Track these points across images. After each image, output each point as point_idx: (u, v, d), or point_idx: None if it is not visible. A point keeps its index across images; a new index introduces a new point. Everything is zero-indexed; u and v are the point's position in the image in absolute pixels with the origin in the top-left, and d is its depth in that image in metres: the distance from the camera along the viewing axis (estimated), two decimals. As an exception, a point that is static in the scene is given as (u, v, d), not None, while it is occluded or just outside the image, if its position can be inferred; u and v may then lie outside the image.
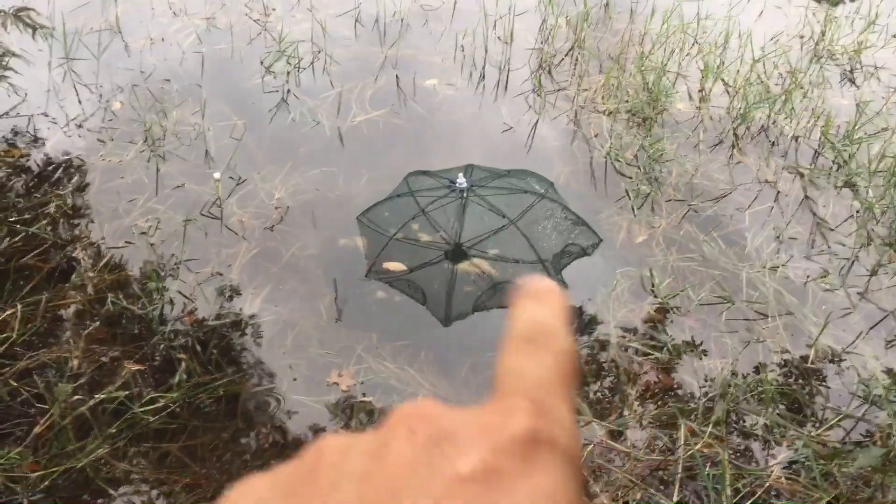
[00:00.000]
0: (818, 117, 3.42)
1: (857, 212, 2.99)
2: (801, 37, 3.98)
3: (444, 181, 2.80)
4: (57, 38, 3.65)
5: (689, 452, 2.12)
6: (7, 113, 3.28)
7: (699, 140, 3.32)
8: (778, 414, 2.25)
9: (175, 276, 2.63)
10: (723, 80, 3.64)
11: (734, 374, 2.39)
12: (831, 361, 2.44)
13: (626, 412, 2.26)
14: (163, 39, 3.77)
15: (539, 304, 0.34)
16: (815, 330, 2.51)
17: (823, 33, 3.98)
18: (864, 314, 2.60)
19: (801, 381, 2.39)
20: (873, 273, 2.74)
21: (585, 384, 2.36)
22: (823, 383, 2.38)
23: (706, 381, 2.37)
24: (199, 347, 2.40)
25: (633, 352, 2.45)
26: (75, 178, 2.99)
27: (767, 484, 2.05)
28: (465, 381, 2.36)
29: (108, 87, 3.46)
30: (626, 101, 3.48)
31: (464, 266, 2.66)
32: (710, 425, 2.19)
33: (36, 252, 2.64)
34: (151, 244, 2.72)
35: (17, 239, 2.67)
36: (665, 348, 2.45)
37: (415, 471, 0.29)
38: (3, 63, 3.53)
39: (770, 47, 3.83)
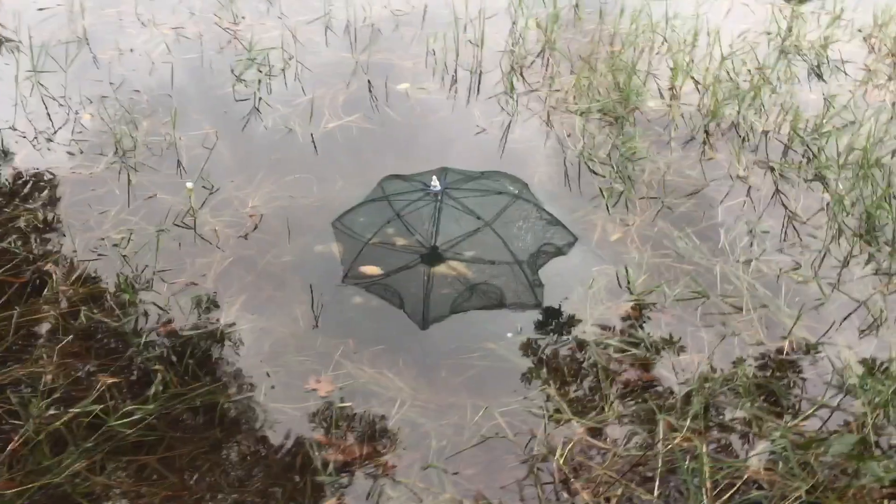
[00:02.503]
0: (787, 112, 3.46)
1: (828, 204, 3.02)
2: (769, 33, 4.03)
3: (417, 185, 2.80)
4: (24, 50, 3.62)
5: (669, 447, 2.13)
6: (-26, 127, 3.24)
7: (671, 137, 3.34)
8: (755, 406, 2.27)
9: (149, 288, 2.60)
10: (692, 77, 3.67)
11: (711, 368, 2.41)
12: (806, 352, 2.47)
13: (605, 409, 2.27)
14: (131, 50, 3.75)
15: None
16: (789, 322, 2.54)
17: (790, 29, 4.03)
18: (837, 305, 2.63)
19: (776, 372, 2.41)
20: (845, 264, 2.77)
21: (564, 383, 2.37)
22: (799, 374, 2.40)
23: (683, 375, 2.39)
24: (174, 358, 2.38)
25: (611, 349, 2.46)
26: (45, 192, 2.96)
27: (746, 475, 2.06)
28: (445, 383, 2.36)
29: (76, 99, 3.43)
30: (598, 101, 3.50)
31: (440, 269, 2.66)
32: (689, 419, 2.20)
33: (6, 267, 2.61)
34: (124, 256, 2.70)
35: (-13, 254, 2.64)
36: (642, 344, 2.47)
37: None
38: (-31, 77, 3.49)
39: (738, 44, 3.88)
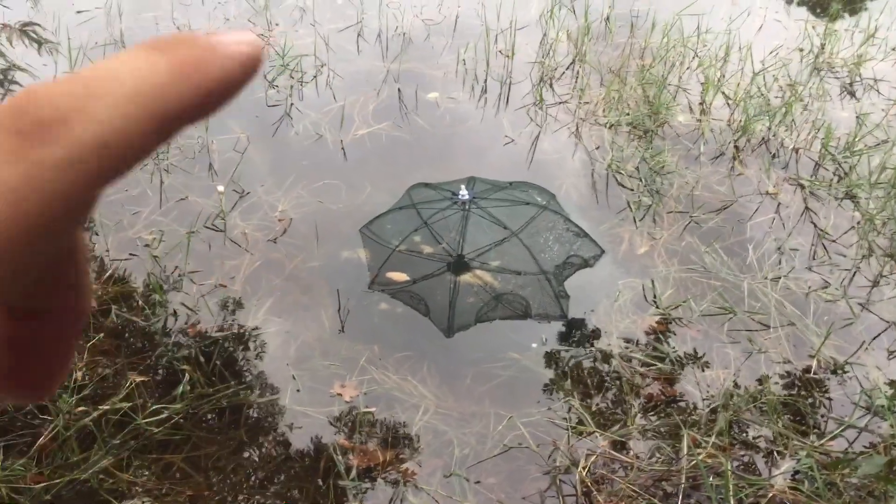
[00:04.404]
0: (818, 129, 3.44)
1: (858, 223, 3.00)
2: (801, 50, 4.00)
3: (446, 193, 2.81)
4: (62, 52, 3.68)
5: (693, 463, 2.12)
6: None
7: (700, 152, 3.33)
8: (781, 424, 2.25)
9: (178, 288, 2.64)
10: (723, 92, 3.66)
11: (736, 384, 2.39)
12: (833, 372, 2.45)
13: (628, 423, 2.27)
14: (167, 54, 3.80)
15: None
16: (818, 340, 2.51)
17: (823, 46, 4.01)
18: (866, 325, 2.60)
19: (803, 391, 2.39)
20: (875, 284, 2.75)
21: (588, 395, 2.37)
22: (826, 394, 2.38)
23: (708, 391, 2.38)
24: (202, 359, 2.40)
25: (636, 362, 2.46)
26: (80, 191, 3.01)
27: (771, 494, 2.04)
28: (469, 392, 2.36)
29: (112, 101, 3.48)
30: (627, 114, 3.49)
31: (466, 278, 2.67)
32: (713, 436, 2.19)
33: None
34: (155, 256, 2.73)
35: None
36: (667, 359, 2.46)
37: None
38: (9, 77, 3.56)
39: (770, 60, 3.85)
